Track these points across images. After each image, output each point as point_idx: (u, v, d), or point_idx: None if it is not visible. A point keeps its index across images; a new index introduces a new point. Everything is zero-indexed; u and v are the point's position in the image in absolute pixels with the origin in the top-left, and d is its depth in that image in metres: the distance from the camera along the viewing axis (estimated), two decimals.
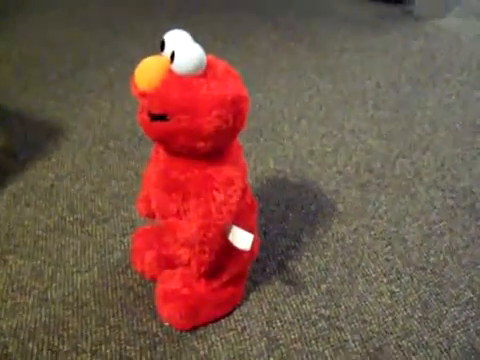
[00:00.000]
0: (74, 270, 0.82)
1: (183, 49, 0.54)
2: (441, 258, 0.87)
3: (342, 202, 0.97)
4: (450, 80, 1.39)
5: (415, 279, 0.83)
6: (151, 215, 0.73)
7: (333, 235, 0.90)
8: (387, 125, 1.19)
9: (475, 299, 0.80)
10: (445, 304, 0.79)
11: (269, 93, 1.30)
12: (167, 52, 0.56)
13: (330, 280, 0.82)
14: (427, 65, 1.47)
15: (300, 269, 0.84)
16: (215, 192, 0.61)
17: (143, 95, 0.56)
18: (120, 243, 0.87)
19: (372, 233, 0.91)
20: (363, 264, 0.85)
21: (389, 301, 0.79)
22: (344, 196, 0.98)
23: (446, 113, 1.25)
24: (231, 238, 0.64)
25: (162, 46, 0.57)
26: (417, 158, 1.09)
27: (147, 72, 0.55)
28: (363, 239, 0.90)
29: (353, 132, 1.16)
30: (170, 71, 0.55)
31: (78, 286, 0.79)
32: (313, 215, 0.94)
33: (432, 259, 0.87)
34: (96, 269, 0.82)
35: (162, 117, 0.56)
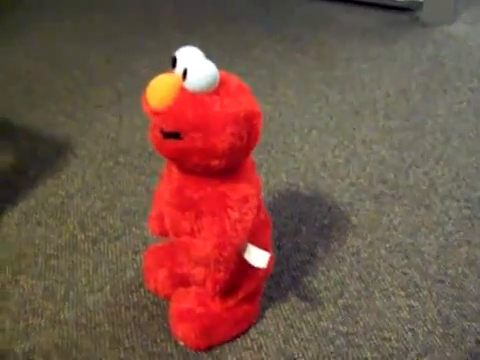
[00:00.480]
0: (86, 290, 0.81)
1: (196, 66, 0.53)
2: (460, 271, 0.85)
3: (356, 215, 0.96)
4: (460, 87, 1.38)
5: (434, 293, 0.81)
6: (164, 233, 0.72)
7: (348, 248, 0.89)
8: (398, 134, 1.18)
9: None
10: (467, 319, 0.77)
11: (278, 105, 1.29)
12: (179, 69, 0.55)
13: (347, 295, 0.81)
14: (436, 72, 1.46)
15: (316, 284, 0.82)
16: (230, 210, 0.60)
17: (156, 113, 0.55)
18: (132, 261, 0.86)
19: (388, 246, 0.89)
20: (380, 278, 0.84)
21: (408, 316, 0.77)
22: (358, 208, 0.97)
23: (458, 121, 1.23)
24: (247, 256, 0.63)
25: (174, 63, 0.56)
26: (430, 168, 1.08)
27: (159, 90, 0.55)
28: (379, 252, 0.88)
29: (364, 143, 1.15)
30: (182, 89, 0.54)
31: (91, 306, 0.78)
32: (327, 228, 0.93)
33: (450, 272, 0.85)
34: (109, 288, 0.81)
35: (175, 135, 0.55)
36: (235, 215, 0.60)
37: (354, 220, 0.94)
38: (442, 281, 0.83)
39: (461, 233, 0.92)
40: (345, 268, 0.85)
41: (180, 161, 0.59)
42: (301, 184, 1.03)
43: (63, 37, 1.69)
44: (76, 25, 1.78)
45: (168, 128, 0.55)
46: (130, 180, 1.05)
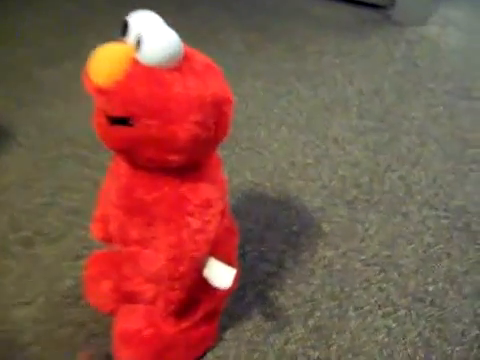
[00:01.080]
0: (14, 302, 0.68)
1: (153, 34, 0.42)
2: (440, 287, 0.77)
3: (328, 221, 0.86)
4: (435, 90, 1.31)
5: (413, 312, 0.73)
6: (109, 239, 0.60)
7: (319, 260, 0.79)
8: (373, 135, 1.10)
9: None
10: (449, 343, 0.69)
11: (245, 97, 1.18)
12: (132, 38, 0.44)
13: (318, 314, 0.71)
14: (410, 73, 1.39)
15: (283, 300, 0.72)
16: (189, 218, 0.49)
17: (100, 92, 0.43)
18: (72, 268, 0.74)
19: (363, 258, 0.81)
20: (354, 294, 0.75)
21: (386, 339, 0.69)
22: (330, 214, 0.88)
23: (434, 125, 1.16)
24: (207, 273, 0.52)
25: (124, 30, 0.44)
26: (407, 172, 1.00)
27: (105, 62, 0.43)
28: (353, 265, 0.79)
29: (337, 142, 1.06)
30: (135, 62, 0.43)
31: (18, 322, 0.65)
32: (296, 236, 0.83)
33: (430, 288, 0.77)
34: (41, 300, 0.69)
35: (124, 121, 0.44)
36: (196, 223, 0.49)
37: (326, 227, 0.85)
38: (422, 300, 0.75)
39: (440, 245, 0.85)
40: (316, 282, 0.76)
41: (130, 154, 0.47)
42: (267, 185, 0.93)
43: (10, 12, 1.52)
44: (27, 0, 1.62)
45: (115, 112, 0.44)
46: (75, 173, 0.92)
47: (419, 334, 0.70)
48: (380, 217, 0.88)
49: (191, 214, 0.49)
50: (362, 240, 0.83)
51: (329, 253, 0.80)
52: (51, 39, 1.37)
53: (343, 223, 0.86)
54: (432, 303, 0.74)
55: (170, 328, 0.59)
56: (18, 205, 0.84)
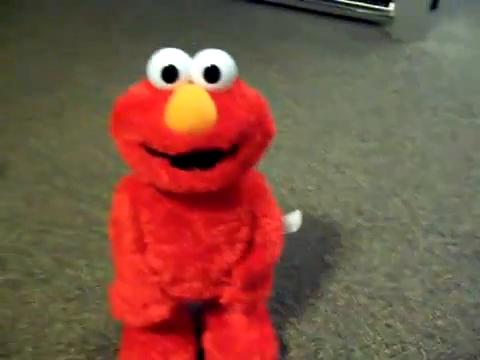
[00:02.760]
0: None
1: (220, 56, 0.45)
2: (450, 321, 0.73)
3: (330, 252, 0.83)
4: (436, 107, 1.28)
5: (423, 350, 0.69)
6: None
7: (322, 295, 0.75)
8: (374, 158, 1.06)
9: None
10: None
11: None
12: (194, 73, 0.44)
13: (322, 354, 0.67)
14: (410, 90, 1.36)
15: (285, 340, 0.68)
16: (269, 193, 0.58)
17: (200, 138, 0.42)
18: (62, 311, 0.70)
19: (367, 291, 0.77)
20: (360, 332, 0.71)
21: None
22: (332, 245, 0.84)
23: (436, 144, 1.13)
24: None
25: (169, 75, 0.43)
26: (410, 196, 0.96)
27: (197, 107, 0.42)
28: (357, 299, 0.75)
29: (337, 167, 1.03)
30: (214, 94, 0.44)
31: None
32: (297, 270, 0.79)
33: (439, 323, 0.73)
34: (27, 350, 0.65)
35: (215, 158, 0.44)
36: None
37: (329, 259, 0.81)
38: (431, 336, 0.71)
39: (449, 275, 0.81)
40: (319, 320, 0.72)
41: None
42: None
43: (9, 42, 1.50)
44: (14, 25, 1.60)
45: (228, 142, 0.44)
46: (67, 208, 0.88)
47: None
48: (384, 246, 0.85)
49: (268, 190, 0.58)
50: (366, 272, 0.80)
51: (332, 287, 0.77)
52: (41, 67, 1.35)
53: (345, 254, 0.83)
54: (443, 340, 0.70)
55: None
56: (5, 244, 0.81)
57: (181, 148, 0.42)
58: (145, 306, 0.55)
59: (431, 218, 0.91)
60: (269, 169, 1.00)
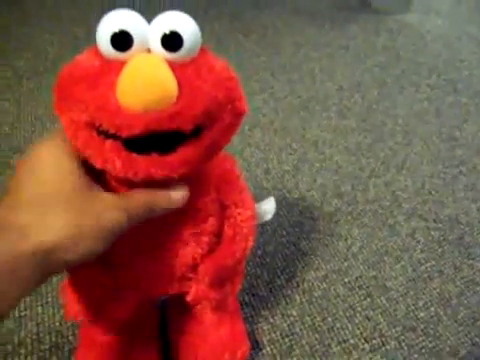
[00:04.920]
0: None
1: (182, 21, 0.37)
2: (433, 312, 0.69)
3: (307, 238, 0.77)
4: (419, 83, 1.23)
5: (404, 344, 0.65)
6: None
7: (298, 285, 0.70)
8: (355, 136, 1.01)
9: None
10: None
11: None
12: (152, 40, 0.36)
13: (297, 351, 0.62)
14: (392, 65, 1.30)
15: (258, 335, 0.63)
16: (240, 180, 0.50)
17: (158, 117, 0.35)
18: None
19: (346, 280, 0.72)
20: (338, 325, 0.66)
21: None
22: (309, 230, 0.79)
23: (419, 122, 1.08)
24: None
25: (124, 41, 0.36)
26: (392, 178, 0.91)
27: (153, 82, 0.34)
28: (336, 289, 0.70)
29: (316, 145, 0.97)
30: (173, 64, 0.36)
31: None
32: (271, 257, 0.74)
33: (422, 314, 0.69)
34: None
35: (176, 140, 0.37)
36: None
37: (305, 246, 0.76)
38: (413, 328, 0.67)
39: (432, 262, 0.76)
40: (295, 313, 0.67)
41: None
42: None
43: None
44: None
45: (187, 125, 0.36)
46: None
47: None
48: (364, 231, 0.80)
49: (239, 177, 0.50)
50: (345, 259, 0.75)
51: (308, 276, 0.72)
52: None
53: (323, 240, 0.77)
54: (424, 332, 0.66)
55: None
56: None
57: (135, 129, 0.35)
58: (102, 305, 0.49)
59: (413, 201, 0.87)
60: (243, 149, 0.94)
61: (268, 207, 0.56)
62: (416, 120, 1.08)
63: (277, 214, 0.81)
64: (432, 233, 0.81)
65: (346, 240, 0.78)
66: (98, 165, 0.40)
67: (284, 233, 0.78)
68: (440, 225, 0.83)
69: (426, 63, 1.34)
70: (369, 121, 1.06)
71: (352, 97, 1.14)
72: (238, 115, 0.42)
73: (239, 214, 0.50)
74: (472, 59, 1.38)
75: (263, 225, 0.78)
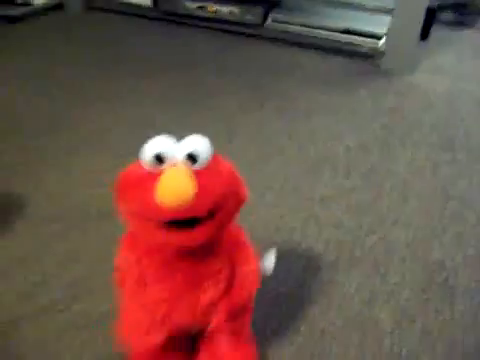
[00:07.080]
0: None
1: (199, 143, 0.56)
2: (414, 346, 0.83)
3: (311, 282, 0.93)
4: (420, 142, 1.39)
5: None
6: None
7: (303, 317, 0.86)
8: (357, 194, 1.17)
9: None
10: None
11: (236, 159, 1.26)
12: (178, 157, 0.55)
13: None
14: (397, 125, 1.47)
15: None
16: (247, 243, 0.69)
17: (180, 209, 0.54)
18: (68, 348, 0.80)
19: (340, 320, 0.87)
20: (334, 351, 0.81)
21: None
22: (312, 275, 0.94)
23: (417, 179, 1.23)
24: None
25: (160, 159, 0.55)
26: (387, 231, 1.06)
27: (177, 189, 0.54)
28: (334, 324, 0.85)
29: (323, 202, 1.13)
30: (196, 173, 0.55)
31: None
32: (283, 296, 0.89)
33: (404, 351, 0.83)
34: None
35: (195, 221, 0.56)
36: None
37: (309, 289, 0.92)
38: None
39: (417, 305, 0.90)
40: (299, 339, 0.82)
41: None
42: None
43: (9, 82, 1.64)
44: (30, 68, 1.74)
45: (202, 211, 0.55)
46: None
47: None
48: (360, 276, 0.94)
49: (245, 242, 0.69)
50: (343, 299, 0.90)
51: (311, 312, 0.87)
52: (55, 109, 1.48)
53: (324, 285, 0.93)
54: None
55: None
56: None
57: (166, 218, 0.54)
58: (147, 333, 0.66)
59: (404, 251, 1.01)
60: (257, 208, 1.11)
61: (267, 263, 0.73)
62: (414, 177, 1.24)
63: (287, 261, 0.97)
64: (419, 277, 0.95)
65: (344, 285, 0.93)
66: (145, 239, 0.60)
67: (293, 277, 0.94)
68: (428, 269, 0.97)
69: (429, 121, 1.50)
70: (371, 179, 1.22)
71: (357, 157, 1.30)
72: (241, 202, 0.60)
73: (245, 270, 0.67)
74: (470, 116, 1.53)
75: (275, 270, 0.95)
